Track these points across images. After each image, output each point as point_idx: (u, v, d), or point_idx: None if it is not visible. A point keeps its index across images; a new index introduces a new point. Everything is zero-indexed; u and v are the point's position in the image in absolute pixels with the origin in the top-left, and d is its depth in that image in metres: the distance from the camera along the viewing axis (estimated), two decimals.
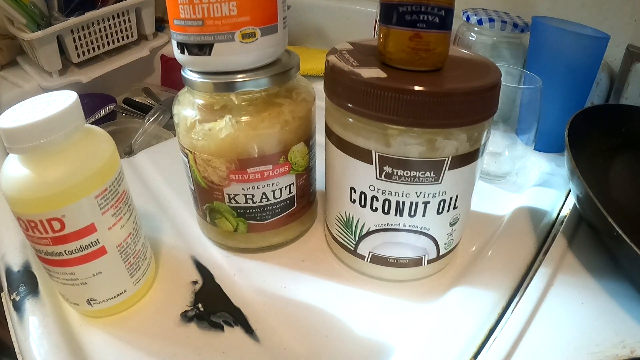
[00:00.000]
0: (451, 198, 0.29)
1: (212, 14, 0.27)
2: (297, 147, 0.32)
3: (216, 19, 0.27)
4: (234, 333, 0.30)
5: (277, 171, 0.32)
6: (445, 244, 0.32)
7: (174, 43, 0.30)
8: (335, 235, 0.35)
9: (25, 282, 0.33)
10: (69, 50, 0.67)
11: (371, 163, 0.28)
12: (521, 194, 0.44)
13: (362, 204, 0.30)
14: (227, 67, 0.30)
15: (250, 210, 0.34)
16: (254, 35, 0.29)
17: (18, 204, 0.25)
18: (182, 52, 0.30)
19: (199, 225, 0.38)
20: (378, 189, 0.29)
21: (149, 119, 0.62)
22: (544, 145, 0.49)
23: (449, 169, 0.27)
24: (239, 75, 0.30)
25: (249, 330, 0.30)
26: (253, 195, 0.33)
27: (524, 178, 0.47)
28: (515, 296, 0.33)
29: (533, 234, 0.38)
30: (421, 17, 0.25)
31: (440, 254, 0.33)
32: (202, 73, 0.30)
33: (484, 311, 0.31)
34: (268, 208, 0.34)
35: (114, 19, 0.69)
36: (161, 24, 0.82)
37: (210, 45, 0.28)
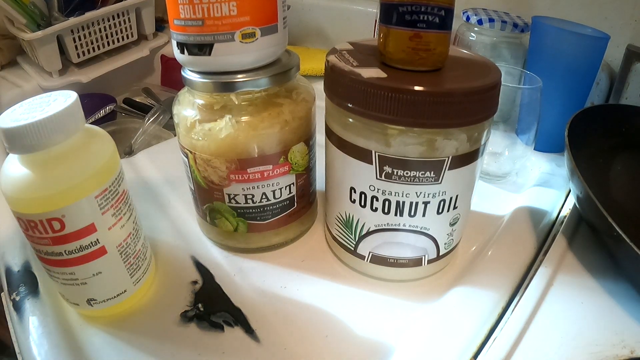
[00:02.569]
0: (451, 198, 0.29)
1: (212, 14, 0.27)
2: (297, 147, 0.32)
3: (216, 19, 0.27)
4: (234, 333, 0.30)
5: (277, 171, 0.32)
6: (445, 244, 0.32)
7: (174, 43, 0.30)
8: (335, 235, 0.35)
9: (25, 282, 0.33)
10: (69, 50, 0.67)
11: (371, 163, 0.28)
12: (521, 194, 0.44)
13: (362, 204, 0.30)
14: (227, 67, 0.30)
15: (250, 210, 0.34)
16: (254, 35, 0.29)
17: (18, 204, 0.25)
18: (182, 52, 0.29)
19: (199, 225, 0.38)
20: (378, 189, 0.29)
21: (149, 119, 0.62)
22: (544, 145, 0.49)
23: (449, 169, 0.27)
24: (239, 75, 0.30)
25: (249, 330, 0.30)
26: (253, 195, 0.33)
27: (524, 178, 0.47)
28: (515, 296, 0.33)
29: (533, 234, 0.38)
30: (421, 17, 0.25)
31: (440, 254, 0.33)
32: (202, 73, 0.30)
33: (484, 311, 0.31)
34: (268, 208, 0.34)
35: (114, 19, 0.69)
36: (161, 24, 0.82)
37: (210, 45, 0.28)
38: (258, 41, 0.29)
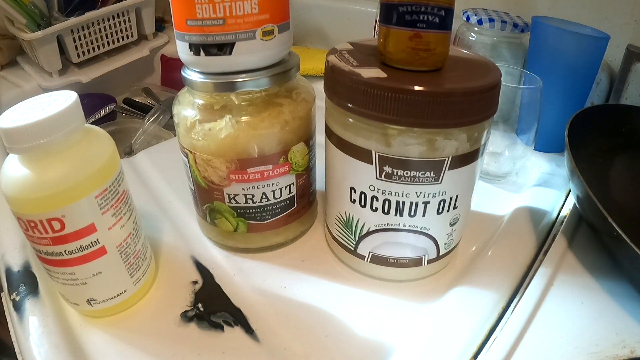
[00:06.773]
0: (451, 198, 0.29)
1: (234, 12, 0.27)
2: (297, 147, 0.32)
3: (238, 17, 0.27)
4: (234, 333, 0.30)
5: (277, 171, 0.32)
6: (445, 244, 0.32)
7: (185, 45, 0.29)
8: (335, 235, 0.35)
9: (25, 282, 0.33)
10: (69, 50, 0.66)
11: (371, 163, 0.28)
12: (521, 194, 0.44)
13: (362, 204, 0.30)
14: (247, 66, 0.29)
15: (250, 210, 0.34)
16: (273, 32, 0.29)
17: (18, 204, 0.25)
18: (197, 53, 0.29)
19: (199, 225, 0.38)
20: (378, 189, 0.29)
21: (149, 119, 0.62)
22: (544, 145, 0.49)
23: (449, 169, 0.27)
24: (239, 75, 0.29)
25: (249, 330, 0.30)
26: (253, 195, 0.33)
27: (524, 178, 0.47)
28: (515, 296, 0.33)
29: (533, 234, 0.38)
30: (421, 17, 0.25)
31: (440, 254, 0.33)
32: (205, 73, 0.30)
33: (484, 311, 0.31)
34: (268, 208, 0.34)
35: (114, 19, 0.69)
36: (161, 24, 0.82)
37: (232, 45, 0.28)
38: (276, 39, 0.29)
